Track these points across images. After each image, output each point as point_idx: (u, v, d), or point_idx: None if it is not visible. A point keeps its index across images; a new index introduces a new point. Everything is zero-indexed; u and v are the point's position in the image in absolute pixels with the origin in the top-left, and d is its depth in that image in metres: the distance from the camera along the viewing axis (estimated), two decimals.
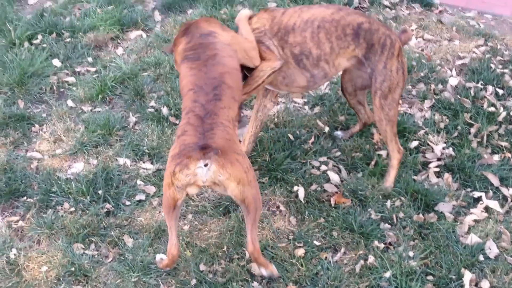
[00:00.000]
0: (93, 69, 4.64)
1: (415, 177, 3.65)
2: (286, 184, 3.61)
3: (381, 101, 3.18)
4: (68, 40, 4.98)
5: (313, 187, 3.58)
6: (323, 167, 3.73)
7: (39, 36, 4.99)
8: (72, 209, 3.38)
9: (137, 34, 5.14)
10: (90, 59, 4.76)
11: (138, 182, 3.59)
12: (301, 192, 3.52)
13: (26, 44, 4.86)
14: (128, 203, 3.46)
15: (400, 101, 3.35)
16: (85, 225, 3.26)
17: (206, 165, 2.58)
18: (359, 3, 5.57)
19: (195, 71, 2.88)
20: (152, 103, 4.24)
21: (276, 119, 4.12)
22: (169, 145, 3.87)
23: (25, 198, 3.48)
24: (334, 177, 3.65)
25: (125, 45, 5.00)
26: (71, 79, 4.51)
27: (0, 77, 4.43)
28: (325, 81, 3.36)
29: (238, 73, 2.98)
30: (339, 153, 3.85)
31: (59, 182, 3.53)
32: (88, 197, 3.43)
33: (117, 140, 3.93)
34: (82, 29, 5.09)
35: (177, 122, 4.06)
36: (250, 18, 3.21)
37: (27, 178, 3.59)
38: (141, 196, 3.51)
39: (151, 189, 3.56)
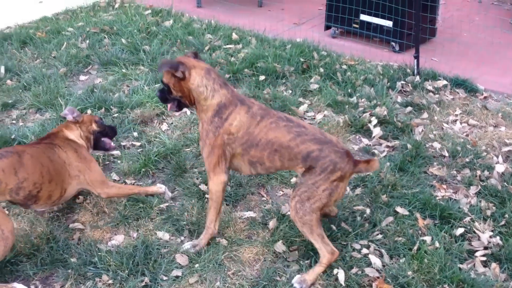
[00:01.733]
0: (138, 144, 4.76)
1: (461, 266, 3.52)
2: None
3: (297, 205, 3.34)
4: (116, 115, 5.15)
5: (354, 270, 3.49)
6: (364, 250, 3.64)
7: (89, 111, 5.17)
8: (110, 281, 3.36)
9: (182, 111, 5.27)
10: (135, 134, 4.89)
11: (177, 256, 3.57)
12: (341, 275, 3.43)
13: None
14: (165, 278, 3.43)
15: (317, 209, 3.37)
16: None
17: None
18: (402, 87, 5.64)
19: None
20: (194, 179, 4.28)
21: None
22: None
23: (65, 268, 3.49)
24: (375, 261, 3.55)
25: (169, 121, 5.13)
26: (117, 153, 4.62)
27: None
28: None
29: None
30: (380, 236, 3.77)
31: (99, 253, 3.54)
32: (127, 270, 3.41)
33: (158, 213, 3.95)
34: (129, 105, 5.27)
35: None
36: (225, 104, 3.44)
37: (68, 248, 3.62)
38: (178, 272, 3.47)
39: (188, 265, 3.52)
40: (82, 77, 5.99)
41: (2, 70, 5.92)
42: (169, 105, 3.64)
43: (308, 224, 3.34)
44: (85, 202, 4.07)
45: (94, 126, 3.96)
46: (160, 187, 4.10)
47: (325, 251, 3.40)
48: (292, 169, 3.47)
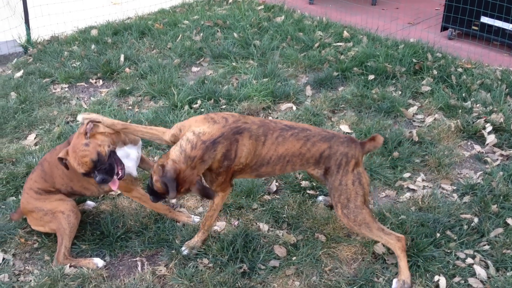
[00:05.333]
0: None
1: None
2: (427, 272, 3.42)
3: (344, 211, 3.30)
4: (224, 106, 5.29)
5: (456, 279, 3.36)
6: (469, 260, 3.49)
7: (199, 101, 5.36)
8: (211, 265, 3.48)
9: (288, 106, 5.33)
10: None
11: (275, 248, 3.62)
12: (442, 282, 3.33)
13: (186, 107, 5.25)
14: (263, 267, 3.49)
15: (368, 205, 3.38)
16: (222, 282, 3.32)
17: None
18: None
19: None
20: (296, 174, 4.31)
21: (420, 203, 3.97)
22: (308, 216, 3.88)
23: (170, 248, 3.65)
24: (480, 272, 3.40)
25: (275, 116, 5.19)
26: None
27: None
28: None
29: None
30: (487, 247, 3.59)
31: None
32: (226, 256, 3.51)
33: (260, 205, 4.02)
34: (237, 98, 5.40)
35: (316, 194, 4.07)
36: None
37: (174, 230, 3.78)
38: (275, 263, 3.51)
39: (286, 257, 3.56)
40: (194, 69, 6.21)
41: (122, 59, 6.28)
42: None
43: (364, 224, 3.29)
44: None
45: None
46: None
47: (393, 242, 3.33)
48: (302, 170, 3.48)
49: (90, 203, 4.04)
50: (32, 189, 3.68)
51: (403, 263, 3.35)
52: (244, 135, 3.23)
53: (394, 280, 3.34)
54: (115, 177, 3.42)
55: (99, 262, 3.54)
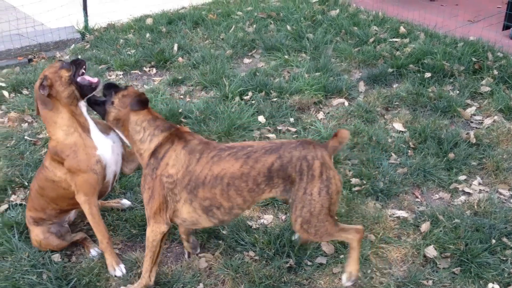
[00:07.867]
0: (293, 129, 4.80)
1: None
2: (480, 279, 3.29)
3: (304, 226, 2.95)
4: (275, 99, 5.25)
5: None
6: None
7: (250, 93, 5.33)
8: (257, 257, 3.45)
9: (340, 101, 5.24)
10: (292, 120, 4.94)
11: (322, 244, 3.56)
12: None
13: (237, 98, 5.23)
14: (309, 263, 3.43)
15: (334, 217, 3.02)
16: (267, 275, 3.28)
17: None
18: None
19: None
20: (346, 171, 4.23)
21: (476, 207, 3.83)
22: (357, 214, 3.80)
23: (216, 239, 3.63)
24: None
25: (326, 111, 5.12)
26: (272, 136, 4.70)
27: (211, 125, 4.78)
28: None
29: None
30: None
31: (249, 230, 3.65)
32: (273, 250, 3.47)
33: None
34: (288, 91, 5.34)
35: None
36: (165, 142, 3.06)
37: None
38: (322, 260, 3.46)
39: (333, 255, 3.50)
40: (246, 60, 6.19)
41: (175, 48, 6.32)
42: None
43: (326, 233, 3.00)
44: None
45: (63, 74, 3.25)
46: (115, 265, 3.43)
47: (351, 236, 3.08)
48: (264, 199, 3.11)
49: (125, 202, 3.95)
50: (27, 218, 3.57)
51: (355, 255, 3.13)
52: (180, 142, 3.03)
53: (343, 275, 3.19)
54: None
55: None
